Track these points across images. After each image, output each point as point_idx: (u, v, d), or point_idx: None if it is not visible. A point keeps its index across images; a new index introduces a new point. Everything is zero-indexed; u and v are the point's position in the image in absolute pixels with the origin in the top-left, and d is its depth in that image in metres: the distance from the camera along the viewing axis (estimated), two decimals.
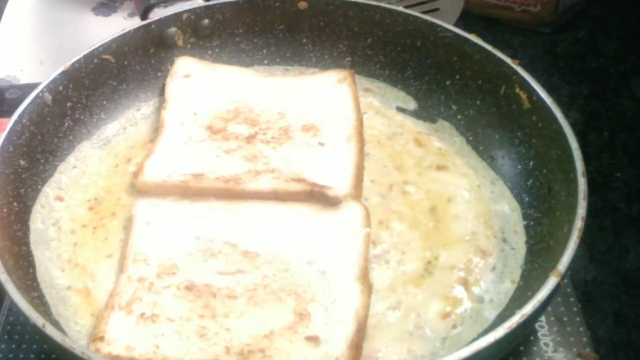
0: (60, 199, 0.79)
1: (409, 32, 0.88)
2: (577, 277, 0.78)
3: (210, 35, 0.92)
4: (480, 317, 0.69)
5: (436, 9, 1.01)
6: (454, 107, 0.86)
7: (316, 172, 0.78)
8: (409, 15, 0.88)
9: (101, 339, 0.64)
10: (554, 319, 0.72)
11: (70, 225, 0.77)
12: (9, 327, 0.73)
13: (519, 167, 0.79)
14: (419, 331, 0.68)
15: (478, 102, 0.84)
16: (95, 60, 0.85)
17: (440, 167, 0.82)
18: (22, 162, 0.77)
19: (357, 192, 0.77)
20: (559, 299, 0.73)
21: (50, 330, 0.60)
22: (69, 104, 0.83)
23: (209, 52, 0.92)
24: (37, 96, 0.79)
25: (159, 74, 0.91)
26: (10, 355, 0.71)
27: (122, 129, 0.87)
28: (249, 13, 0.92)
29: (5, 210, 0.73)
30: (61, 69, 0.82)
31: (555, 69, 1.08)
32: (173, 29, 0.89)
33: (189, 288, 0.68)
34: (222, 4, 0.91)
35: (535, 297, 0.61)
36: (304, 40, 0.93)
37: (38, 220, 0.77)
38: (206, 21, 0.91)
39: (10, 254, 0.69)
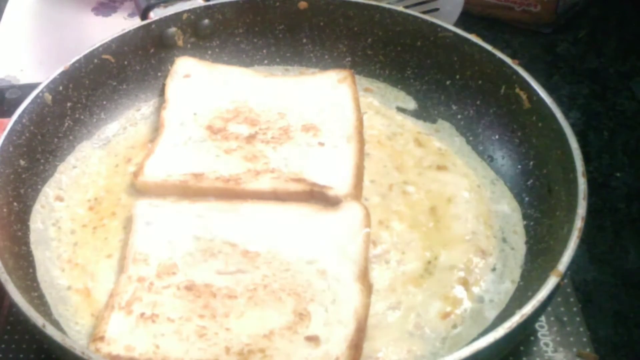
0: (60, 199, 0.79)
1: (409, 32, 0.88)
2: (577, 277, 0.78)
3: (210, 35, 0.92)
4: (480, 317, 0.69)
5: (436, 9, 1.01)
6: (454, 107, 0.86)
7: (316, 172, 0.78)
8: (409, 15, 0.88)
9: (101, 339, 0.64)
10: (554, 319, 0.72)
11: (70, 225, 0.77)
12: (9, 327, 0.73)
13: (519, 167, 0.79)
14: (419, 331, 0.68)
15: (478, 102, 0.84)
16: (95, 60, 0.85)
17: (440, 167, 0.81)
18: (22, 162, 0.77)
19: (357, 192, 0.77)
20: (559, 299, 0.73)
21: (50, 330, 0.60)
22: (69, 104, 0.83)
23: (209, 52, 0.92)
24: (37, 96, 0.79)
25: (159, 74, 0.91)
26: (10, 355, 0.71)
27: (122, 129, 0.87)
28: (249, 13, 0.92)
29: (5, 210, 0.73)
30: (61, 69, 0.82)
31: (555, 69, 1.08)
32: (173, 29, 0.89)
33: (189, 288, 0.68)
34: (222, 4, 0.91)
35: (535, 297, 0.61)
36: (304, 40, 0.93)
37: (38, 220, 0.77)
38: (206, 21, 0.91)
39: (10, 254, 0.69)
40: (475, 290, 0.71)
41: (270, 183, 0.77)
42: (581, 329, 0.71)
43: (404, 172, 0.81)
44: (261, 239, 0.72)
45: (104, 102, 0.87)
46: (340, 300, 0.67)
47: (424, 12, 0.93)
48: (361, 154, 0.81)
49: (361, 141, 0.82)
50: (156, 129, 0.85)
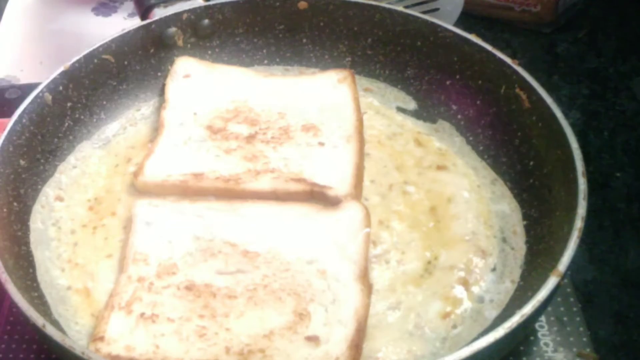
0: (60, 199, 0.79)
1: (409, 32, 0.88)
2: (577, 277, 0.78)
3: (210, 35, 0.92)
4: (480, 317, 0.69)
5: (436, 9, 1.01)
6: (454, 107, 0.86)
7: (316, 172, 0.78)
8: (409, 15, 0.88)
9: (101, 339, 0.64)
10: (554, 319, 0.72)
11: (70, 225, 0.77)
12: (9, 327, 0.73)
13: (519, 167, 0.79)
14: (419, 331, 0.68)
15: (478, 102, 0.84)
16: (95, 60, 0.85)
17: (440, 167, 0.81)
18: (22, 162, 0.77)
19: (357, 192, 0.77)
20: (559, 299, 0.73)
21: (50, 330, 0.60)
22: (69, 104, 0.83)
23: (209, 52, 0.92)
24: (37, 96, 0.79)
25: (159, 74, 0.91)
26: (10, 355, 0.71)
27: (122, 129, 0.87)
28: (249, 13, 0.92)
29: (5, 210, 0.73)
30: (61, 69, 0.82)
31: (555, 69, 1.08)
32: (173, 29, 0.89)
33: (189, 288, 0.68)
34: (222, 4, 0.91)
35: (535, 297, 0.61)
36: (304, 40, 0.93)
37: (38, 220, 0.77)
38: (206, 21, 0.91)
39: (10, 254, 0.69)
40: (475, 290, 0.71)
41: (270, 183, 0.77)
42: (581, 329, 0.71)
43: (404, 172, 0.81)
44: (261, 239, 0.72)
45: (104, 102, 0.87)
46: (340, 300, 0.67)
47: (424, 12, 0.93)
48: (361, 154, 0.81)
49: (361, 141, 0.82)
50: (156, 129, 0.85)
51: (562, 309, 0.73)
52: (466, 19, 1.04)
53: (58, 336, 0.59)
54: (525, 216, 0.76)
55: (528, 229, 0.75)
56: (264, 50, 0.94)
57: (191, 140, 0.82)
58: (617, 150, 0.96)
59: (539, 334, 0.71)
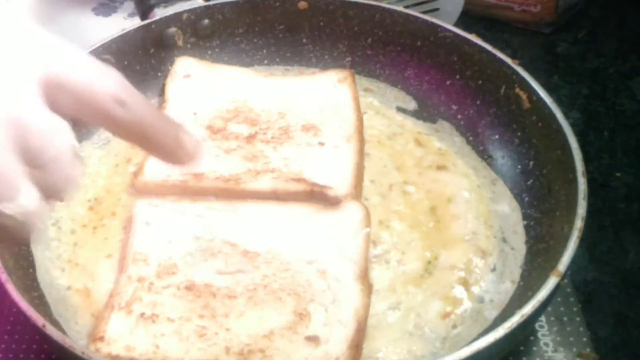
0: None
1: (409, 32, 0.88)
2: (577, 277, 0.78)
3: (210, 35, 0.92)
4: (480, 317, 0.69)
5: (436, 9, 1.01)
6: (454, 107, 0.86)
7: (316, 172, 0.78)
8: (409, 15, 0.88)
9: (101, 339, 0.64)
10: (554, 319, 0.72)
11: (70, 225, 0.77)
12: (9, 327, 0.73)
13: (519, 167, 0.79)
14: (419, 331, 0.68)
15: (478, 102, 0.84)
16: None
17: (440, 167, 0.81)
18: None
19: (357, 192, 0.77)
20: (559, 299, 0.73)
21: (50, 330, 0.60)
22: None
23: (209, 52, 0.92)
24: None
25: (159, 74, 0.91)
26: (10, 355, 0.71)
27: None
28: (249, 13, 0.92)
29: None
30: None
31: (555, 69, 1.08)
32: (173, 29, 0.89)
33: (189, 288, 0.68)
34: (222, 4, 0.91)
35: (535, 297, 0.61)
36: (304, 40, 0.93)
37: None
38: (206, 21, 0.91)
39: (10, 254, 0.69)
40: (475, 290, 0.71)
41: (270, 183, 0.77)
42: (581, 329, 0.71)
43: (404, 172, 0.81)
44: (261, 239, 0.72)
45: None
46: (340, 300, 0.67)
47: (424, 12, 0.93)
48: (361, 154, 0.80)
49: (361, 141, 0.82)
50: None
51: (562, 309, 0.73)
52: (466, 19, 1.04)
53: (58, 336, 0.59)
54: (525, 216, 0.76)
55: (528, 229, 0.75)
56: (264, 50, 0.94)
57: None
58: (617, 150, 0.95)
59: (539, 334, 0.71)
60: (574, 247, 0.64)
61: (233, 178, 0.77)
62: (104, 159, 0.84)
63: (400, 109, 0.88)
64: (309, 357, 0.63)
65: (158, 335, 0.65)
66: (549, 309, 0.72)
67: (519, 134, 0.80)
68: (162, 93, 0.89)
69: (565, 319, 0.72)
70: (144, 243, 0.72)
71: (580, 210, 0.66)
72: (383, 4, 0.89)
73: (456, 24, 0.92)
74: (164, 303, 0.67)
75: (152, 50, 0.89)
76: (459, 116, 0.86)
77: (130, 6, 1.19)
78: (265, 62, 0.94)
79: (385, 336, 0.67)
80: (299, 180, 0.77)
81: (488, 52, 0.82)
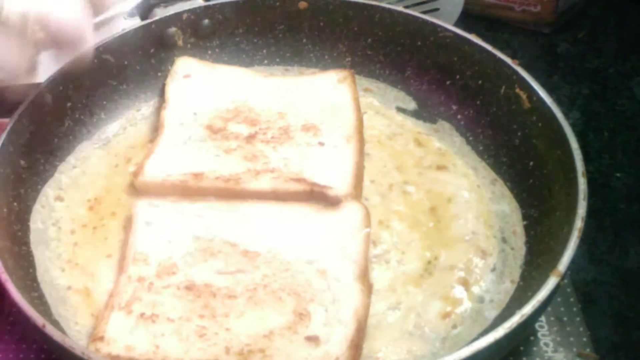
0: (60, 199, 0.79)
1: (409, 32, 0.88)
2: (577, 277, 0.78)
3: (210, 35, 0.92)
4: (480, 317, 0.69)
5: (436, 9, 1.01)
6: (454, 107, 0.86)
7: (316, 172, 0.78)
8: (409, 15, 0.88)
9: (101, 339, 0.64)
10: (554, 319, 0.72)
11: (70, 225, 0.77)
12: (9, 327, 0.73)
13: (519, 167, 0.79)
14: (419, 331, 0.68)
15: (478, 102, 0.84)
16: (95, 60, 0.85)
17: (440, 167, 0.82)
18: (22, 162, 0.77)
19: (357, 192, 0.77)
20: (559, 299, 0.73)
21: (50, 330, 0.60)
22: (69, 104, 0.83)
23: (209, 52, 0.92)
24: (37, 96, 0.79)
25: (159, 74, 0.91)
26: (10, 355, 0.71)
27: (122, 129, 0.87)
28: (249, 13, 0.92)
29: (5, 210, 0.73)
30: (61, 68, 0.82)
31: (555, 69, 1.08)
32: (173, 29, 0.89)
33: (189, 288, 0.68)
34: (222, 4, 0.91)
35: (535, 297, 0.61)
36: (304, 40, 0.93)
37: (38, 220, 0.77)
38: (206, 21, 0.91)
39: (10, 254, 0.69)
40: (475, 290, 0.71)
41: (270, 183, 0.77)
42: (581, 329, 0.71)
43: (404, 172, 0.81)
44: (261, 238, 0.72)
45: (104, 102, 0.87)
46: (340, 300, 0.67)
47: (424, 12, 0.93)
48: (361, 154, 0.81)
49: (361, 141, 0.82)
50: (156, 129, 0.85)
51: (562, 309, 0.73)
52: (466, 19, 1.04)
53: (58, 336, 0.59)
54: (525, 216, 0.76)
55: (528, 229, 0.75)
56: (264, 50, 0.94)
57: (191, 140, 0.82)
58: (617, 150, 0.96)
59: (539, 334, 0.71)
60: (574, 247, 0.64)
61: (233, 178, 0.77)
62: (104, 159, 0.84)
63: (400, 109, 0.88)
64: (309, 357, 0.63)
65: (158, 335, 0.65)
66: (549, 309, 0.72)
67: (519, 134, 0.80)
68: (162, 93, 0.89)
69: (565, 319, 0.72)
70: (144, 243, 0.72)
71: (580, 210, 0.66)
72: (383, 4, 0.89)
73: (456, 24, 0.92)
74: (164, 303, 0.67)
75: (152, 50, 0.89)
76: (459, 116, 0.86)
77: (130, 6, 1.19)
78: (265, 62, 0.94)
79: (385, 336, 0.67)
80: (299, 180, 0.77)
81: (488, 52, 0.82)
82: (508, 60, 0.81)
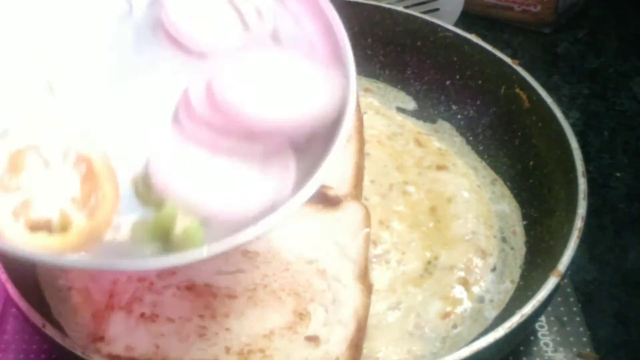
0: None
1: (409, 32, 0.88)
2: (577, 277, 0.78)
3: None
4: (480, 317, 0.69)
5: (436, 9, 1.01)
6: (454, 107, 0.86)
7: None
8: (409, 15, 0.88)
9: (101, 338, 0.64)
10: (554, 319, 0.72)
11: None
12: (8, 327, 0.73)
13: (519, 167, 0.79)
14: (419, 331, 0.68)
15: (478, 102, 0.84)
16: None
17: (440, 167, 0.81)
18: None
19: (357, 192, 0.77)
20: (559, 299, 0.73)
21: (50, 330, 0.60)
22: None
23: None
24: None
25: None
26: (11, 356, 0.71)
27: None
28: None
29: None
30: None
31: (555, 69, 1.08)
32: None
33: (189, 288, 0.68)
34: None
35: (535, 297, 0.61)
36: None
37: None
38: None
39: None
40: (475, 290, 0.71)
41: None
42: (581, 329, 0.71)
43: (404, 172, 0.81)
44: (261, 238, 0.72)
45: None
46: (340, 300, 0.67)
47: (424, 12, 0.93)
48: (361, 154, 0.80)
49: (361, 141, 0.82)
50: None
51: (562, 309, 0.73)
52: (466, 19, 1.04)
53: (58, 336, 0.59)
54: (525, 216, 0.76)
55: (528, 229, 0.75)
56: None
57: None
58: (617, 150, 0.95)
59: (539, 334, 0.71)
60: (574, 247, 0.64)
61: None
62: None
63: (400, 109, 0.88)
64: (309, 357, 0.63)
65: (158, 335, 0.65)
66: (549, 309, 0.72)
67: (519, 134, 0.80)
68: None
69: (565, 319, 0.72)
70: None
71: (580, 210, 0.66)
72: (383, 4, 0.89)
73: (456, 24, 0.92)
74: (164, 303, 0.67)
75: None
76: (459, 116, 0.86)
77: None
78: None
79: (385, 336, 0.67)
80: None
81: (488, 52, 0.82)
82: (508, 60, 0.81)
